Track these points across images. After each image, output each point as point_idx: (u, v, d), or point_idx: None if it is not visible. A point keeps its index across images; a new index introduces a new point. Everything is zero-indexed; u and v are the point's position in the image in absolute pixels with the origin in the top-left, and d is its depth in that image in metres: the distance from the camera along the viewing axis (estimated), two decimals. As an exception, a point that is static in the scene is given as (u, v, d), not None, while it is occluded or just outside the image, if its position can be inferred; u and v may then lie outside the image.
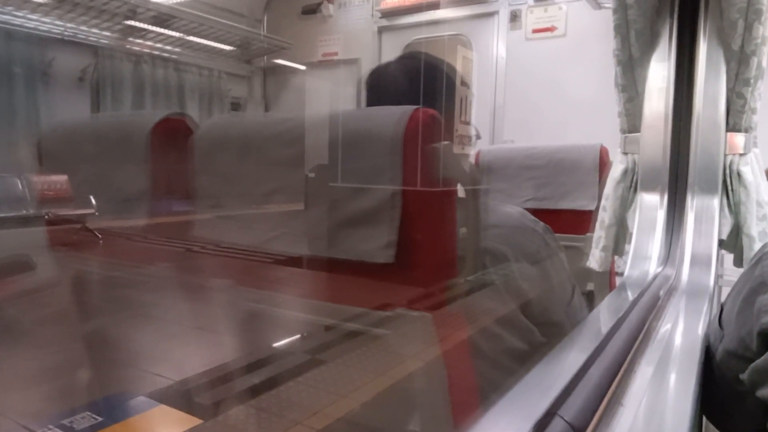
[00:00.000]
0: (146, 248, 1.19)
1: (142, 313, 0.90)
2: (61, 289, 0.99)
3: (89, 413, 0.50)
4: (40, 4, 2.60)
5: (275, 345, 0.78)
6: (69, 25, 2.79)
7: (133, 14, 3.06)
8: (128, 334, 0.80)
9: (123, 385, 0.64)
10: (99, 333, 0.78)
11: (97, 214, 1.15)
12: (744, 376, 0.65)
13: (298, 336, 0.80)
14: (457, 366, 0.76)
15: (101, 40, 3.04)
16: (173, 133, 1.07)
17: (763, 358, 0.62)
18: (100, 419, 0.50)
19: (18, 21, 2.54)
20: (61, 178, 1.24)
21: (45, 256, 1.11)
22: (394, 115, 0.77)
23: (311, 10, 4.44)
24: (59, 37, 2.78)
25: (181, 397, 0.57)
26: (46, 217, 1.22)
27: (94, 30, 2.95)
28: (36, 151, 1.23)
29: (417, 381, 0.66)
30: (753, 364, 0.64)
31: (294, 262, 0.91)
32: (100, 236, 1.18)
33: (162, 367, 0.69)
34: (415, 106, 0.76)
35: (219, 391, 0.57)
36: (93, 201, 1.13)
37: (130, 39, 3.23)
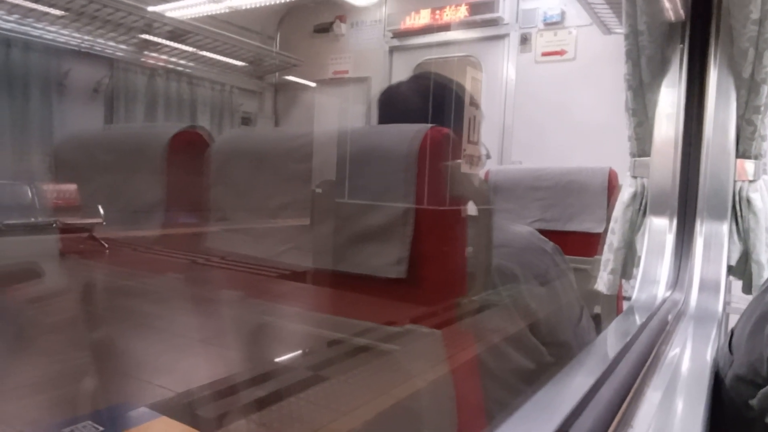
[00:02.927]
0: (150, 258, 1.19)
1: (144, 323, 0.90)
2: (65, 297, 0.99)
3: (91, 423, 0.50)
4: (59, 17, 2.65)
5: (282, 359, 0.78)
6: (86, 37, 2.84)
7: (149, 29, 3.11)
8: (131, 344, 0.80)
9: (125, 396, 0.64)
10: (102, 342, 0.78)
11: (104, 223, 1.15)
12: (754, 402, 0.64)
13: (305, 350, 0.80)
14: (466, 384, 0.76)
15: (117, 53, 3.10)
16: (190, 146, 1.08)
17: None
18: (101, 429, 0.49)
19: (37, 32, 2.59)
20: (71, 187, 1.25)
21: (51, 263, 1.12)
22: (409, 133, 0.77)
23: (324, 29, 4.50)
24: (76, 49, 2.83)
25: (182, 409, 0.56)
26: (54, 225, 1.23)
27: (111, 43, 3.00)
28: (52, 161, 1.24)
29: (426, 398, 0.66)
30: (763, 390, 0.63)
31: (305, 276, 0.91)
32: (106, 245, 1.18)
33: (164, 378, 0.69)
34: (429, 125, 0.77)
35: (221, 405, 0.57)
36: (101, 210, 1.14)
37: (146, 52, 3.29)
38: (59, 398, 0.61)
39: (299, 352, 0.79)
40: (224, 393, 0.58)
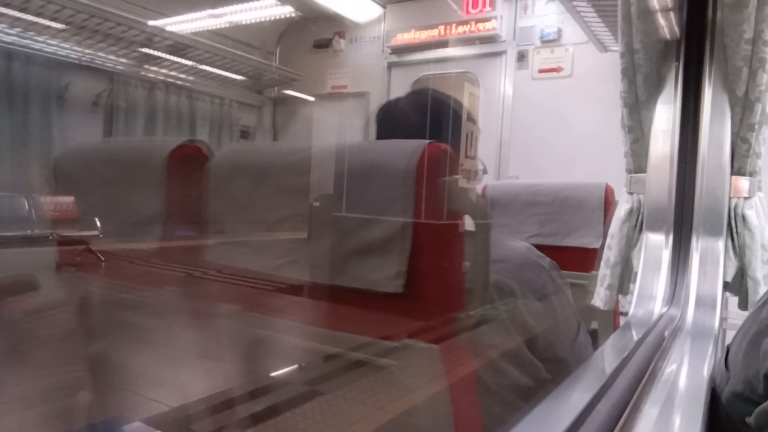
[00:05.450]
0: (147, 272, 1.19)
1: (140, 336, 0.89)
2: (60, 310, 0.99)
3: (84, 437, 0.49)
4: (60, 30, 2.67)
5: (278, 374, 0.78)
6: (87, 51, 2.86)
7: (149, 43, 3.13)
8: (126, 358, 0.79)
9: (119, 410, 0.63)
10: (97, 356, 0.78)
11: (101, 236, 1.15)
12: (750, 419, 0.64)
13: (301, 365, 0.80)
14: (463, 400, 0.75)
15: (117, 67, 3.11)
16: (189, 160, 1.08)
17: None
18: (94, 443, 0.49)
19: (38, 45, 2.60)
20: (68, 200, 1.25)
21: (47, 276, 1.11)
22: (407, 149, 0.78)
23: (323, 44, 4.55)
24: (76, 62, 2.84)
25: (177, 424, 0.56)
26: (51, 237, 1.23)
27: (111, 57, 3.02)
28: (51, 173, 1.24)
29: (423, 414, 0.66)
30: (759, 407, 0.63)
31: (302, 290, 0.91)
32: (102, 258, 1.18)
33: (158, 392, 0.69)
34: (428, 140, 0.78)
35: (216, 419, 0.57)
36: (98, 223, 1.14)
37: (146, 66, 3.31)
38: (53, 412, 0.61)
39: (296, 366, 0.79)
40: (220, 407, 0.58)
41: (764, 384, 0.63)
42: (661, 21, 1.23)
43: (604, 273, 1.32)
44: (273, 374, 0.77)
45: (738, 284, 1.23)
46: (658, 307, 1.16)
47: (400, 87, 4.20)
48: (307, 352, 0.82)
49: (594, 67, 3.55)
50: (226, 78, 4.00)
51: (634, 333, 0.99)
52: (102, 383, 0.68)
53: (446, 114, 0.95)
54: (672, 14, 1.25)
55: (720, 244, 1.21)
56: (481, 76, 4.01)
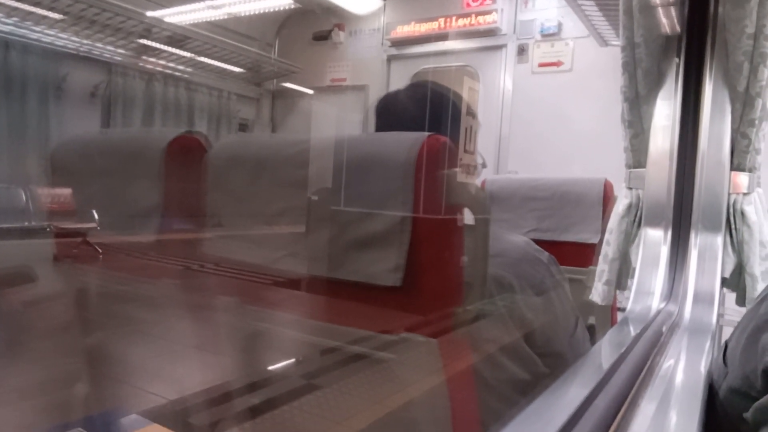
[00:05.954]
0: (144, 264, 1.19)
1: (137, 329, 0.89)
2: (57, 302, 0.99)
3: (81, 429, 0.49)
4: (57, 20, 2.65)
5: (276, 367, 0.78)
6: (85, 41, 2.84)
7: (147, 33, 3.12)
8: (123, 350, 0.79)
9: (116, 402, 0.63)
10: (94, 348, 0.78)
11: (98, 228, 1.15)
12: (748, 415, 0.64)
13: (299, 358, 0.80)
14: (461, 393, 0.75)
15: (115, 57, 3.09)
16: (187, 151, 1.08)
17: (767, 396, 0.61)
18: (91, 435, 0.49)
19: (35, 35, 2.59)
20: (65, 192, 1.24)
21: (45, 268, 1.11)
22: (407, 141, 0.77)
23: (322, 37, 4.53)
24: (74, 52, 2.82)
25: (174, 417, 0.56)
26: (48, 229, 1.23)
27: (109, 47, 3.01)
28: (48, 165, 1.24)
29: (421, 407, 0.66)
30: (757, 403, 0.63)
31: (300, 283, 0.91)
32: (100, 250, 1.18)
33: (155, 385, 0.69)
34: (427, 133, 0.77)
35: (213, 412, 0.57)
36: (95, 215, 1.14)
37: (144, 57, 3.29)
38: (50, 404, 0.61)
39: (293, 360, 0.79)
40: (217, 401, 0.58)
41: (762, 379, 0.63)
42: (663, 16, 1.23)
43: (603, 268, 1.32)
44: (270, 367, 0.77)
45: (736, 280, 1.23)
46: (656, 303, 1.16)
47: (400, 80, 4.19)
48: (305, 345, 0.82)
49: (594, 62, 3.54)
50: (225, 70, 3.98)
51: (631, 328, 0.99)
52: (100, 375, 0.68)
53: (446, 107, 0.95)
54: (673, 9, 1.24)
55: (718, 240, 1.21)
56: (481, 70, 4.00)
